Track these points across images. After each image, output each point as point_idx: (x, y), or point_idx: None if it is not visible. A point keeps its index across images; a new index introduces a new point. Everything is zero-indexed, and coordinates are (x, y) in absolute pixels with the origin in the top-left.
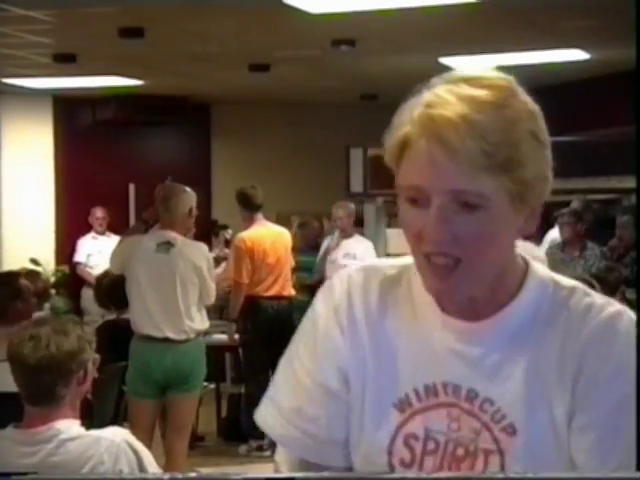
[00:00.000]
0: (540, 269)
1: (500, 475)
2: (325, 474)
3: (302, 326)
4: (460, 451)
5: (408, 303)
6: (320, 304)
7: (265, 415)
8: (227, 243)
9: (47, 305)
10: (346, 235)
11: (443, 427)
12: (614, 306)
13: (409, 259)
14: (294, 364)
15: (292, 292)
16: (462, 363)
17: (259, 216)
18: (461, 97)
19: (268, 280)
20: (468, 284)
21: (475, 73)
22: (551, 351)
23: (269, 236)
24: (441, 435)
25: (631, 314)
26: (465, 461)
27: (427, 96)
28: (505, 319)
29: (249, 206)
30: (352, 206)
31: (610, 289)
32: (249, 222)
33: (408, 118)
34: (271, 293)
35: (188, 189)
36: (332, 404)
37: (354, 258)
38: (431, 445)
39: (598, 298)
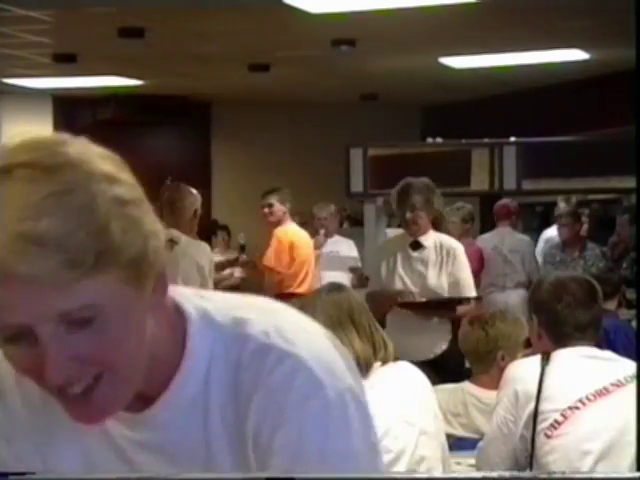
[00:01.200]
0: (197, 320)
1: (499, 475)
2: (325, 475)
3: None
4: None
5: None
6: None
7: None
8: (242, 249)
9: None
10: (329, 235)
11: None
12: (287, 360)
13: None
14: None
15: None
16: (151, 454)
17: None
18: (8, 204)
19: (299, 276)
20: (120, 392)
21: (12, 156)
22: (224, 417)
23: (299, 233)
24: None
25: (307, 366)
26: None
27: None
28: (172, 397)
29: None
30: (333, 207)
31: (610, 289)
32: (283, 219)
33: None
34: (302, 289)
35: (194, 191)
36: None
37: (338, 255)
38: None
39: (266, 337)
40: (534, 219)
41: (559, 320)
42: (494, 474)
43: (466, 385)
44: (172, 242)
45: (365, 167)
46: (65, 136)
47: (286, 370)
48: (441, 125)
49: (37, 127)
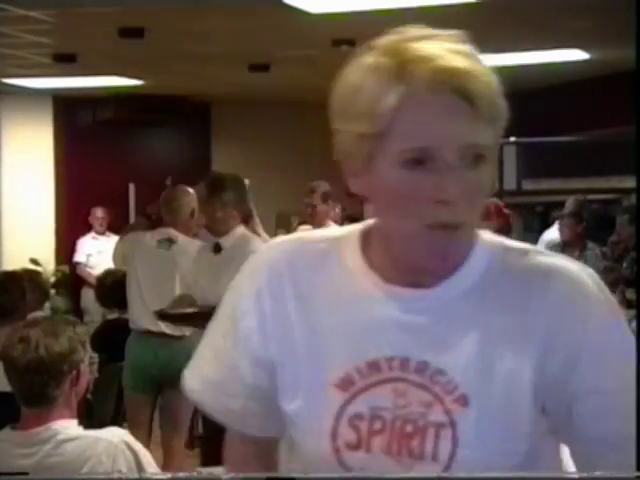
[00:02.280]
0: (486, 232)
1: (502, 475)
2: (325, 475)
3: (229, 295)
4: (409, 428)
5: (342, 277)
6: (244, 282)
7: (192, 381)
8: None
9: (47, 305)
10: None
11: (389, 404)
12: (574, 265)
13: (336, 232)
14: (218, 337)
15: None
16: (409, 334)
17: None
18: (450, 50)
19: None
20: (461, 246)
21: (419, 32)
22: (507, 315)
23: None
24: (387, 412)
25: (591, 272)
26: (415, 438)
27: (411, 52)
28: (454, 284)
29: None
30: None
31: (610, 289)
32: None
33: (394, 78)
34: None
35: (191, 190)
36: (244, 387)
37: None
38: (377, 424)
39: (553, 257)
40: (534, 219)
41: None
42: (486, 474)
43: None
44: (170, 241)
45: None
46: None
47: (576, 275)
48: None
49: (37, 127)
